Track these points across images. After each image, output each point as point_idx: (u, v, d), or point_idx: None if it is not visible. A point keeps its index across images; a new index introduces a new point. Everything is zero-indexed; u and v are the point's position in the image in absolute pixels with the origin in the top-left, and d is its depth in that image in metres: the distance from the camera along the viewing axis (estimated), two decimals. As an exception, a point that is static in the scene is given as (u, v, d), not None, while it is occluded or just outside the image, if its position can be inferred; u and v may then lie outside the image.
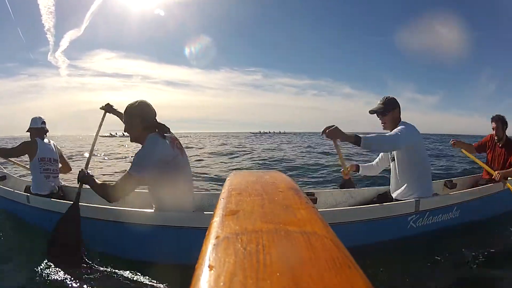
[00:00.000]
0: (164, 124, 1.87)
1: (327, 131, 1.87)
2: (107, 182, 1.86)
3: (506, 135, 3.07)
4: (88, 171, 2.08)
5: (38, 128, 2.88)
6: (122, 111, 1.94)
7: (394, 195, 2.31)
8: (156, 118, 1.87)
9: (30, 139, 2.86)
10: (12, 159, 3.39)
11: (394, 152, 2.26)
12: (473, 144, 3.33)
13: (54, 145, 2.97)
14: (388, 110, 2.23)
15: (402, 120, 2.25)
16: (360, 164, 2.67)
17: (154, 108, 1.87)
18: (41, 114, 2.97)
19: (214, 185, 4.95)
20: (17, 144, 2.91)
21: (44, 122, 2.92)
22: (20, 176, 3.85)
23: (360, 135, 1.91)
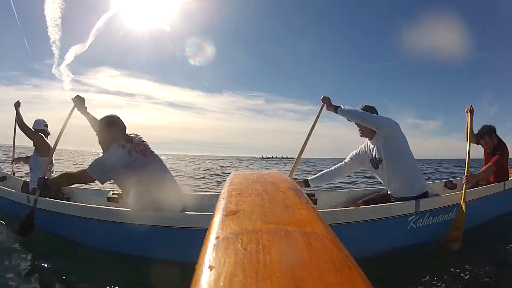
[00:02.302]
0: (128, 135, 2.06)
1: (323, 97, 2.38)
2: (66, 172, 2.17)
3: (497, 139, 2.98)
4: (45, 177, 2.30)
5: (40, 130, 2.95)
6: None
7: (394, 194, 2.32)
8: (126, 130, 2.07)
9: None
10: (16, 138, 3.54)
11: (382, 154, 2.26)
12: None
13: None
14: None
15: None
16: (308, 178, 2.60)
17: (122, 122, 2.07)
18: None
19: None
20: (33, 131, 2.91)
21: (46, 125, 3.02)
22: (19, 174, 3.86)
23: (339, 105, 2.27)
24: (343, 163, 2.60)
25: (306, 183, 2.58)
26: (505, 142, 2.99)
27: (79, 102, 2.44)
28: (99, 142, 2.13)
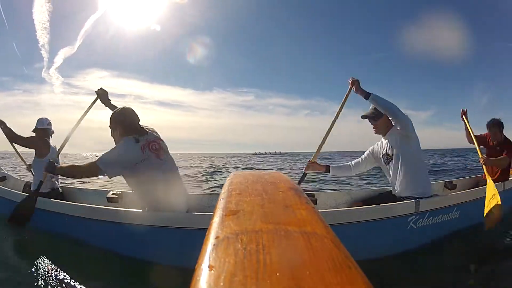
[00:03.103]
0: (143, 128, 1.99)
1: (352, 79, 2.27)
2: (73, 164, 2.09)
3: (505, 136, 3.08)
4: (56, 163, 2.20)
5: (44, 129, 2.86)
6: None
7: (397, 193, 2.30)
8: (140, 123, 1.99)
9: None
10: (16, 146, 3.32)
11: (394, 150, 2.26)
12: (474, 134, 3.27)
13: (55, 146, 3.01)
14: (380, 115, 2.24)
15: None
16: (330, 165, 2.53)
17: (136, 114, 1.99)
18: None
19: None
20: (29, 136, 2.86)
21: (50, 124, 2.91)
22: (19, 174, 3.86)
23: (371, 92, 2.15)
24: (360, 158, 2.58)
25: (327, 168, 2.49)
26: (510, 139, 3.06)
27: (103, 94, 2.43)
28: (111, 135, 2.04)
